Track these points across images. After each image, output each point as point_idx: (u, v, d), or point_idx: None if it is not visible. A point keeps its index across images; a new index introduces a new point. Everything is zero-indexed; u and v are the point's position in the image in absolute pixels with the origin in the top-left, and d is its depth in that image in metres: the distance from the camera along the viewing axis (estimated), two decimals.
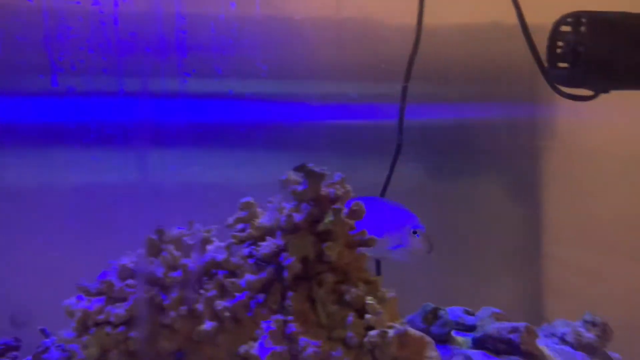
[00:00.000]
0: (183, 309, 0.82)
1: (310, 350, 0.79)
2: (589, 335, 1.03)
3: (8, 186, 1.30)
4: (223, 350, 0.84)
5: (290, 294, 0.85)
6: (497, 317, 1.07)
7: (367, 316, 0.81)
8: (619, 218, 1.53)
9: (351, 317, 0.82)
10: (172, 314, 0.82)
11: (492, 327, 1.03)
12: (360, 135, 1.57)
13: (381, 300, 0.83)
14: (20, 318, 1.04)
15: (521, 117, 1.67)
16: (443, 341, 1.06)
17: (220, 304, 0.84)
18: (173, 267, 0.86)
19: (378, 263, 1.30)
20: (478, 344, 1.04)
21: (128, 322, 0.82)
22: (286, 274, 0.85)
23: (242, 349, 0.81)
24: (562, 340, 1.05)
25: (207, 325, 0.82)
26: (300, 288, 0.87)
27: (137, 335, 0.79)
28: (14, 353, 0.95)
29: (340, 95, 1.55)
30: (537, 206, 1.65)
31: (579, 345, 1.02)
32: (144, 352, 0.80)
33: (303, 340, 0.80)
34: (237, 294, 0.85)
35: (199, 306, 0.84)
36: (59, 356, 0.88)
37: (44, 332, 0.95)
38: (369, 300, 0.83)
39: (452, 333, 1.10)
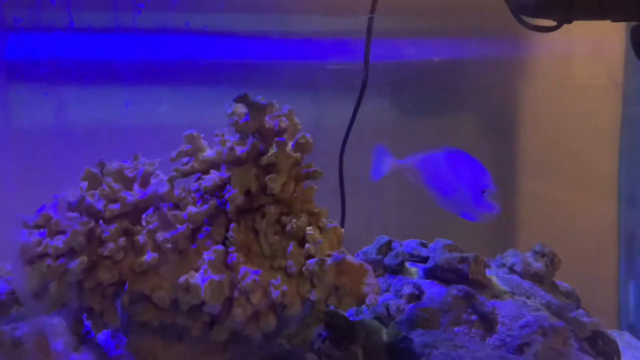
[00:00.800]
0: (122, 240, 0.82)
1: (249, 278, 0.79)
2: (537, 265, 1.05)
3: None
4: (167, 280, 0.84)
5: (233, 225, 0.85)
6: (450, 249, 1.08)
7: (307, 245, 0.81)
8: (588, 153, 1.54)
9: (291, 246, 0.82)
10: (111, 245, 0.82)
11: (442, 258, 1.04)
12: (327, 73, 1.54)
13: (322, 230, 0.83)
14: None
15: (495, 54, 1.64)
16: (396, 272, 1.08)
17: (161, 235, 0.83)
18: (112, 200, 0.85)
19: (343, 199, 1.30)
20: (429, 274, 1.05)
21: (68, 254, 0.82)
22: (229, 206, 0.85)
23: (182, 278, 0.81)
24: (511, 269, 1.07)
25: (148, 257, 0.82)
26: (243, 220, 0.87)
27: (75, 267, 0.79)
28: None
29: (305, 30, 1.51)
30: (512, 144, 1.64)
31: (527, 274, 1.04)
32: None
33: (243, 269, 0.81)
34: (178, 226, 0.84)
35: (141, 238, 0.83)
36: (5, 288, 0.88)
37: None
38: (309, 230, 0.83)
39: (407, 264, 1.11)
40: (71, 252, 0.82)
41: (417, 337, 0.78)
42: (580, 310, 0.98)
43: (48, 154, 1.31)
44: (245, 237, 0.85)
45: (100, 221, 0.85)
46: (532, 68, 1.63)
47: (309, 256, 0.82)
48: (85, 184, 0.89)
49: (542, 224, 1.54)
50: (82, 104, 1.36)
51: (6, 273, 0.86)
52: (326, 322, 0.80)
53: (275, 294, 0.79)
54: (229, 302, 0.83)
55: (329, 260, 0.79)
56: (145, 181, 0.89)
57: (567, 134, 1.55)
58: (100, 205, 0.84)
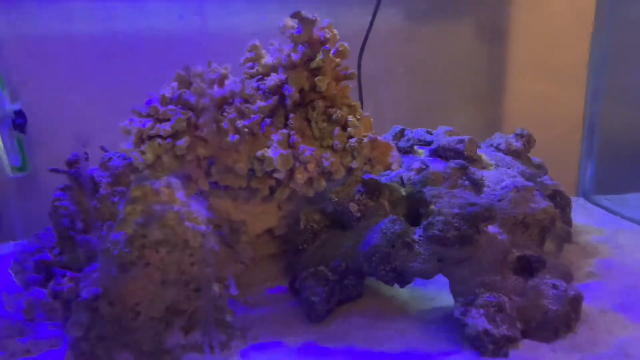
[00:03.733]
0: (212, 126, 1.11)
1: (307, 152, 1.10)
2: (517, 144, 1.36)
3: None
4: (244, 155, 1.15)
5: (291, 115, 1.14)
6: (450, 134, 1.38)
7: (349, 129, 1.11)
8: (564, 52, 1.78)
9: (337, 130, 1.12)
10: (205, 130, 1.11)
11: (444, 140, 1.35)
12: None
13: (359, 118, 1.12)
14: (83, 138, 1.32)
15: None
16: (407, 152, 1.39)
17: (240, 122, 1.12)
18: (202, 95, 1.12)
19: (360, 94, 1.58)
20: (433, 153, 1.36)
21: (173, 135, 1.11)
22: (288, 101, 1.13)
23: (259, 153, 1.11)
24: (497, 148, 1.38)
25: (232, 138, 1.12)
26: (298, 112, 1.15)
27: (182, 143, 1.09)
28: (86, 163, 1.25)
29: None
30: (502, 48, 1.88)
31: (509, 152, 1.36)
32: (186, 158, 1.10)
33: (302, 147, 1.11)
34: (252, 115, 1.13)
35: (224, 124, 1.13)
36: (121, 163, 1.18)
37: (104, 149, 1.25)
38: (350, 118, 1.12)
39: (415, 147, 1.42)
40: (175, 134, 1.11)
41: (428, 191, 1.10)
42: (546, 177, 1.30)
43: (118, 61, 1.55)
44: (300, 124, 1.15)
45: (191, 112, 1.14)
46: None
47: (350, 137, 1.12)
48: (176, 84, 1.16)
49: (524, 113, 1.83)
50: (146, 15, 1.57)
51: (123, 151, 1.15)
52: (363, 182, 1.11)
53: (326, 163, 1.10)
54: (290, 171, 1.14)
55: (365, 139, 1.09)
56: (222, 82, 1.16)
57: (549, 36, 1.78)
58: (193, 99, 1.12)
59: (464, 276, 1.02)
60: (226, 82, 1.17)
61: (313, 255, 1.14)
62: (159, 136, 1.10)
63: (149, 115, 1.12)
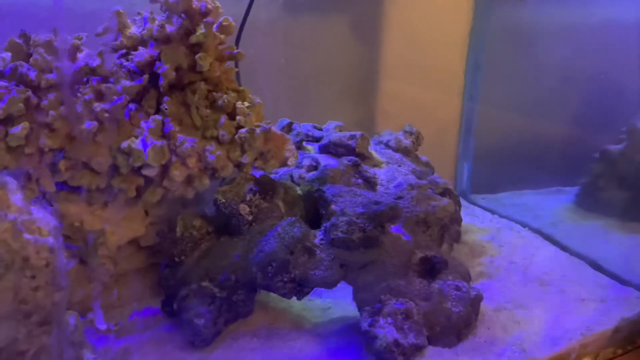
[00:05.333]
0: (62, 108, 0.87)
1: (187, 144, 0.91)
2: (407, 142, 1.31)
3: None
4: (104, 147, 0.92)
5: (165, 99, 0.94)
6: (340, 129, 1.28)
7: (238, 117, 0.95)
8: (441, 58, 1.80)
9: (223, 118, 0.95)
10: (52, 113, 0.86)
11: (335, 135, 1.25)
12: None
13: (250, 105, 0.96)
14: None
15: None
16: (297, 148, 1.26)
17: (99, 105, 0.90)
18: (47, 70, 0.88)
19: (238, 77, 1.41)
20: (324, 149, 1.25)
21: (4, 120, 0.85)
22: (161, 81, 0.93)
23: (124, 144, 0.90)
24: (387, 145, 1.31)
25: (88, 125, 0.89)
26: (174, 95, 0.96)
27: (18, 131, 0.83)
28: None
29: None
30: (376, 48, 1.84)
31: (399, 149, 1.30)
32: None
33: (181, 137, 0.92)
34: (115, 98, 0.91)
35: (78, 107, 0.89)
36: None
37: None
38: (239, 104, 0.96)
39: (304, 143, 1.30)
40: (7, 119, 0.85)
41: (328, 190, 0.98)
42: (436, 175, 1.27)
43: None
44: (177, 110, 0.95)
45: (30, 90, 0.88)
46: None
47: (239, 127, 0.95)
48: (8, 54, 0.90)
49: (398, 114, 1.81)
50: None
51: None
52: (256, 180, 0.96)
53: (211, 157, 0.92)
54: (164, 167, 0.94)
55: (258, 129, 0.94)
56: (74, 55, 0.93)
57: (424, 37, 1.79)
58: (32, 75, 0.87)
59: (369, 282, 0.91)
60: (79, 55, 0.93)
61: (194, 269, 0.95)
62: None
63: None
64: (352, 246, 0.90)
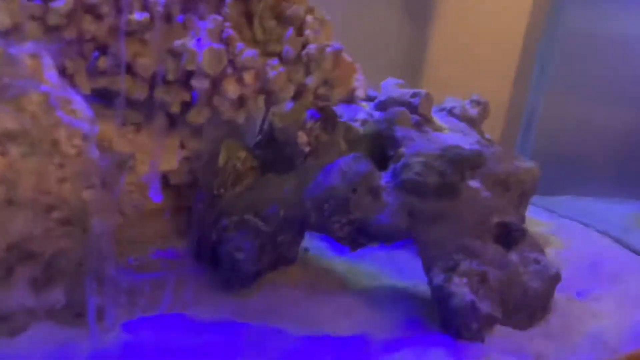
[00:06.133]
0: None
1: (248, 53, 0.79)
2: (473, 111, 1.18)
3: None
4: (151, 48, 0.80)
5: (227, 1, 0.82)
6: (401, 87, 1.16)
7: (307, 32, 0.83)
8: (493, 41, 1.69)
9: (290, 31, 0.82)
10: None
11: (395, 92, 1.12)
12: None
13: (321, 21, 0.84)
14: None
15: None
16: (349, 101, 1.13)
17: None
18: None
19: None
20: (380, 105, 1.12)
21: None
22: None
23: (178, 43, 0.78)
24: (451, 112, 1.18)
25: (139, 16, 0.77)
26: (236, 3, 0.84)
27: (61, 5, 0.71)
28: None
29: None
30: (426, 31, 1.73)
31: (464, 118, 1.17)
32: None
33: (240, 45, 0.80)
34: None
35: None
36: None
37: None
38: (310, 18, 0.84)
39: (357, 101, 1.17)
40: None
41: (397, 130, 0.86)
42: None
43: None
44: (238, 19, 0.84)
45: None
46: None
47: (306, 44, 0.83)
48: None
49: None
50: None
51: None
52: (319, 107, 0.83)
53: (272, 73, 0.80)
54: (214, 82, 0.82)
55: (329, 48, 0.82)
56: None
57: (478, 22, 1.67)
58: None
59: (441, 237, 0.78)
60: None
61: (236, 201, 0.82)
62: None
63: None
64: (425, 192, 0.77)
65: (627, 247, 1.18)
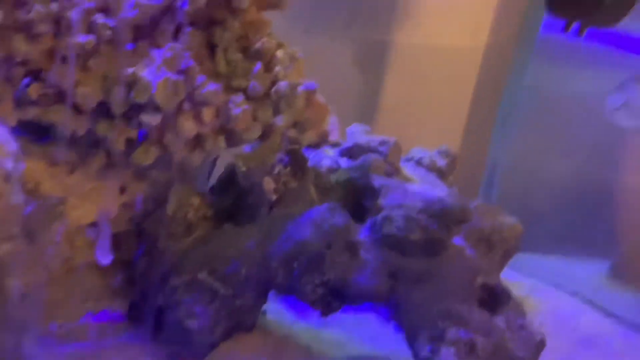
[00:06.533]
0: (54, 4, 0.64)
1: (210, 87, 0.69)
2: (442, 162, 1.12)
3: None
4: (94, 74, 0.69)
5: (188, 29, 0.73)
6: (368, 133, 1.09)
7: (277, 68, 0.74)
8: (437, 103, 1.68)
9: (259, 66, 0.74)
10: (38, 8, 0.63)
11: (362, 138, 1.05)
12: None
13: (292, 57, 0.76)
14: None
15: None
16: (314, 146, 1.05)
17: (100, 16, 0.68)
18: None
19: None
20: (345, 152, 1.04)
21: None
22: (185, 6, 0.72)
23: (129, 70, 0.67)
24: (418, 163, 1.12)
25: (82, 38, 0.66)
26: (197, 32, 0.75)
27: None
28: None
29: None
30: (380, 81, 1.71)
31: (432, 168, 1.10)
32: None
33: (202, 77, 0.70)
34: (122, 13, 0.69)
35: (73, 14, 0.66)
36: None
37: None
38: (280, 53, 0.75)
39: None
40: None
41: (375, 179, 0.77)
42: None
43: None
44: (199, 50, 0.74)
45: None
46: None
47: (276, 81, 0.75)
48: None
49: None
50: None
51: None
52: (289, 151, 0.73)
53: (235, 111, 0.70)
54: (166, 119, 0.71)
55: (301, 87, 0.73)
56: None
57: (428, 83, 1.67)
58: None
59: (424, 300, 0.68)
60: None
61: (188, 256, 0.70)
62: None
63: None
64: (409, 249, 0.68)
65: (599, 308, 1.14)
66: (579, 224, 1.37)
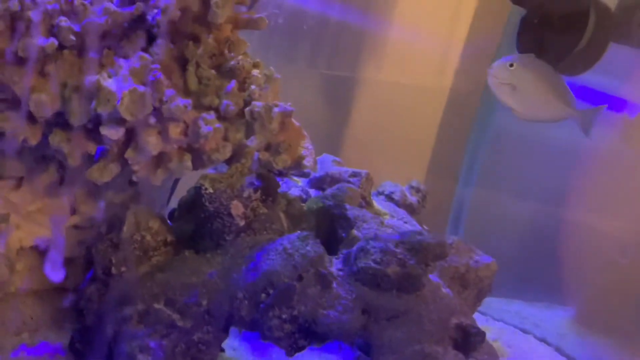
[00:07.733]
0: (13, 2, 0.59)
1: (179, 102, 0.64)
2: (413, 198, 1.10)
3: None
4: (53, 83, 0.63)
5: (158, 42, 0.68)
6: (338, 164, 1.06)
7: (252, 88, 0.70)
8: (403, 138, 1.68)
9: (233, 84, 0.69)
10: None
11: (333, 169, 1.02)
12: None
13: (268, 77, 0.72)
14: None
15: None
16: (283, 175, 1.01)
17: (64, 19, 0.62)
18: None
19: None
20: (314, 182, 1.01)
21: None
22: (158, 17, 0.68)
23: (92, 78, 0.62)
24: (389, 197, 1.09)
25: (43, 41, 0.61)
26: (171, 43, 0.70)
27: None
28: None
29: None
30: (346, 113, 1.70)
31: (403, 204, 1.08)
32: None
33: (170, 91, 0.65)
34: (88, 18, 0.64)
35: (34, 15, 0.61)
36: None
37: None
38: (256, 72, 0.72)
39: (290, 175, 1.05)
40: None
41: (349, 209, 0.73)
42: None
43: None
44: (169, 63, 0.70)
45: None
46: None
47: (250, 101, 0.71)
48: None
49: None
50: None
51: None
52: (260, 175, 0.69)
53: (205, 129, 0.66)
54: (128, 132, 0.66)
55: (277, 108, 0.69)
56: None
57: (393, 118, 1.67)
58: None
59: (398, 340, 0.64)
60: None
61: (143, 284, 0.63)
62: None
63: None
64: (384, 284, 0.64)
65: (566, 355, 1.11)
66: (544, 268, 1.36)
